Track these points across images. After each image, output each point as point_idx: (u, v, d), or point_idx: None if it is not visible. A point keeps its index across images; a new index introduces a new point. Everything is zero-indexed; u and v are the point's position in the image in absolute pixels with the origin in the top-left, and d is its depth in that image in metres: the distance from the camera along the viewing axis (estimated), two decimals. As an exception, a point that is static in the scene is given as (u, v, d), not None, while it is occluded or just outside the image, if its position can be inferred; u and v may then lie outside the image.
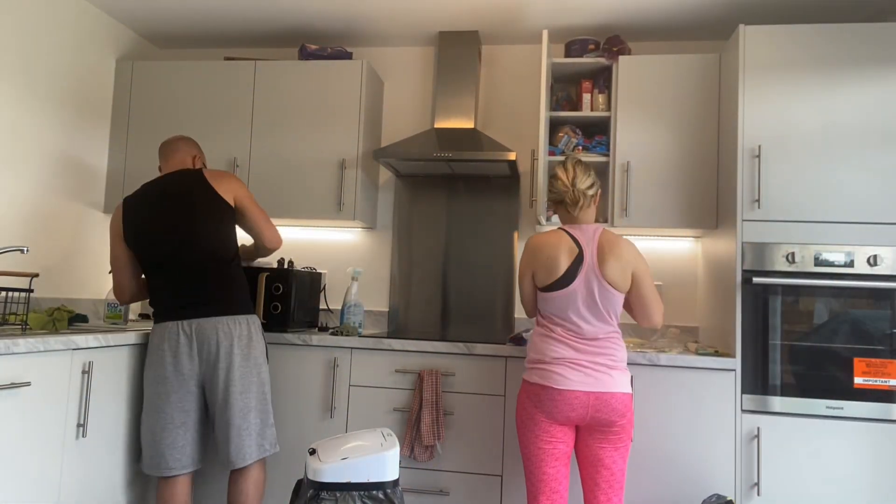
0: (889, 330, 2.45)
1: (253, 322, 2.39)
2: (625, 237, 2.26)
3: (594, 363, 2.09)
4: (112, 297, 2.92)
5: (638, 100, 2.94)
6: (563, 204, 2.23)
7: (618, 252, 2.14)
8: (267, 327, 2.91)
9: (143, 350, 2.56)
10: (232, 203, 2.40)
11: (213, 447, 2.39)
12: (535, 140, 3.32)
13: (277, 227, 3.49)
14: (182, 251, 2.32)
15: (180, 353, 2.28)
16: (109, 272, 2.95)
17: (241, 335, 2.32)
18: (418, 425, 2.62)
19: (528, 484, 2.18)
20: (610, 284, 2.11)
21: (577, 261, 2.12)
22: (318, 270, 3.40)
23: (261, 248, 2.52)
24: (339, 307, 3.40)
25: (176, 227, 2.33)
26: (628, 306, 2.23)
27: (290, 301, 2.92)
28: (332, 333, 2.90)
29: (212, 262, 2.33)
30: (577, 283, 2.11)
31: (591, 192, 2.22)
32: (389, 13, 3.14)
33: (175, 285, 2.32)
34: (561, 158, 2.82)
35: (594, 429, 2.12)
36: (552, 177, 2.26)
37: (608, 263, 2.11)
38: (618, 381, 2.08)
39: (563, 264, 2.13)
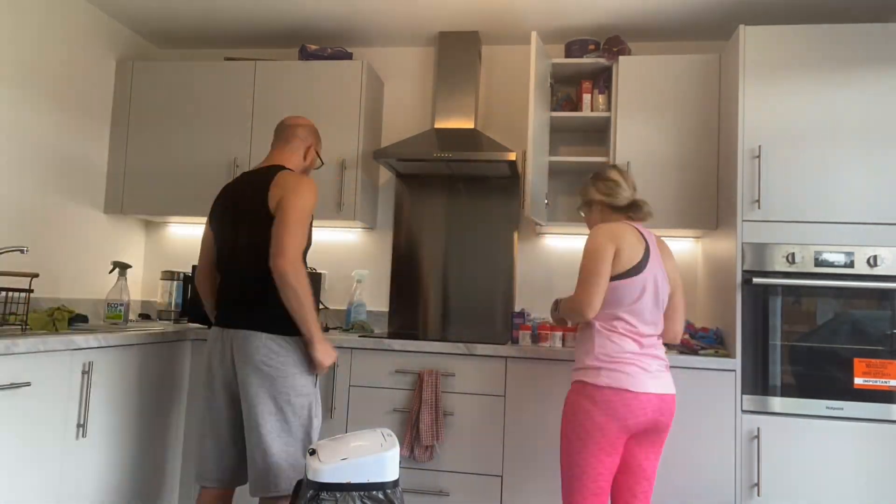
0: (889, 330, 2.44)
1: (289, 342, 2.09)
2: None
3: (657, 361, 2.05)
4: (112, 297, 2.92)
5: (638, 100, 2.94)
6: (616, 208, 2.20)
7: (668, 252, 2.21)
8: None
9: (143, 350, 2.57)
10: (273, 210, 2.09)
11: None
12: (535, 140, 3.32)
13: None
14: (233, 256, 2.15)
15: (214, 362, 2.14)
16: (109, 272, 2.96)
17: (270, 354, 2.06)
18: (418, 426, 2.62)
19: (573, 495, 2.01)
20: (668, 279, 2.15)
21: (647, 250, 2.09)
22: (318, 271, 3.40)
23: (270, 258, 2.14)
24: (339, 307, 3.40)
25: (233, 230, 2.16)
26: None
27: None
28: (345, 331, 2.96)
29: (255, 273, 2.09)
30: (648, 273, 2.05)
31: (636, 201, 2.21)
32: (389, 13, 3.14)
33: (223, 288, 2.18)
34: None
35: (646, 435, 2.03)
36: (606, 179, 2.21)
37: (666, 260, 2.17)
38: (671, 382, 2.06)
39: (639, 251, 2.07)
